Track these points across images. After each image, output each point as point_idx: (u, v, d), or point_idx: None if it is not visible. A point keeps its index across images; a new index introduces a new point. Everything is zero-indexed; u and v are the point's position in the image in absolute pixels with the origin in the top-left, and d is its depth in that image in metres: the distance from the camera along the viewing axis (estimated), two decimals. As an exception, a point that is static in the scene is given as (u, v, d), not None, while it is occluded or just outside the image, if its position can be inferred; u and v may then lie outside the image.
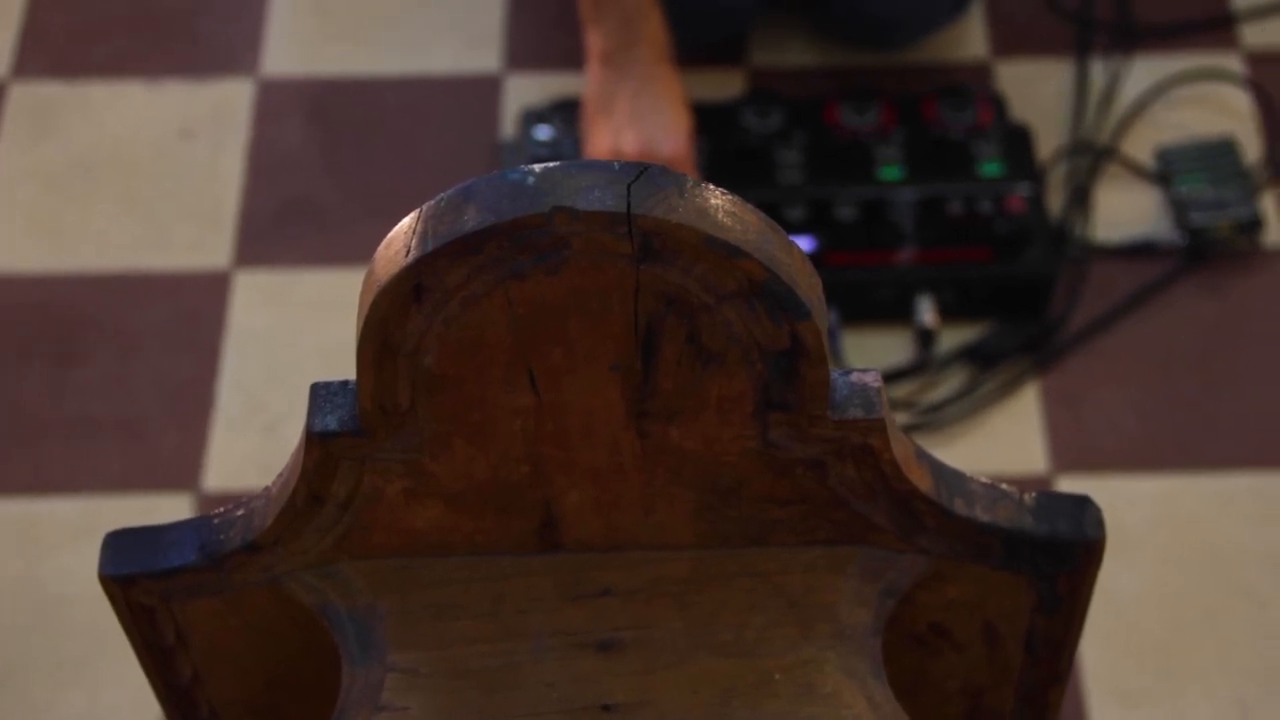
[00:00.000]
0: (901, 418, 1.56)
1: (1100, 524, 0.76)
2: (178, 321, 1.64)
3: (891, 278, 1.60)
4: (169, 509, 1.52)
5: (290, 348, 1.63)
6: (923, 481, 0.72)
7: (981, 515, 0.74)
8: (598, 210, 0.59)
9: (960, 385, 1.58)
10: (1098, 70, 1.75)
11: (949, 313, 1.60)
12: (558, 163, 0.59)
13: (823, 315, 0.65)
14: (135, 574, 0.75)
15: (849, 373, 0.70)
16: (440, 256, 0.61)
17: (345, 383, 0.69)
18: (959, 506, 0.73)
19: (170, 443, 1.57)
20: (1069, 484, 1.52)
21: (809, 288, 0.64)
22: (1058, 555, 0.75)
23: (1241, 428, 1.55)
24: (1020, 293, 1.61)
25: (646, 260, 0.61)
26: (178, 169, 1.73)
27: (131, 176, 1.73)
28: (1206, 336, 1.60)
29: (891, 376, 1.57)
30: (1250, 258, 1.64)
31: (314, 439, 0.69)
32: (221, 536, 0.75)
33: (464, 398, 0.67)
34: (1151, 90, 1.72)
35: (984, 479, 0.75)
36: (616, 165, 0.60)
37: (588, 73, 1.57)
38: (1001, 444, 1.55)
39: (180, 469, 1.56)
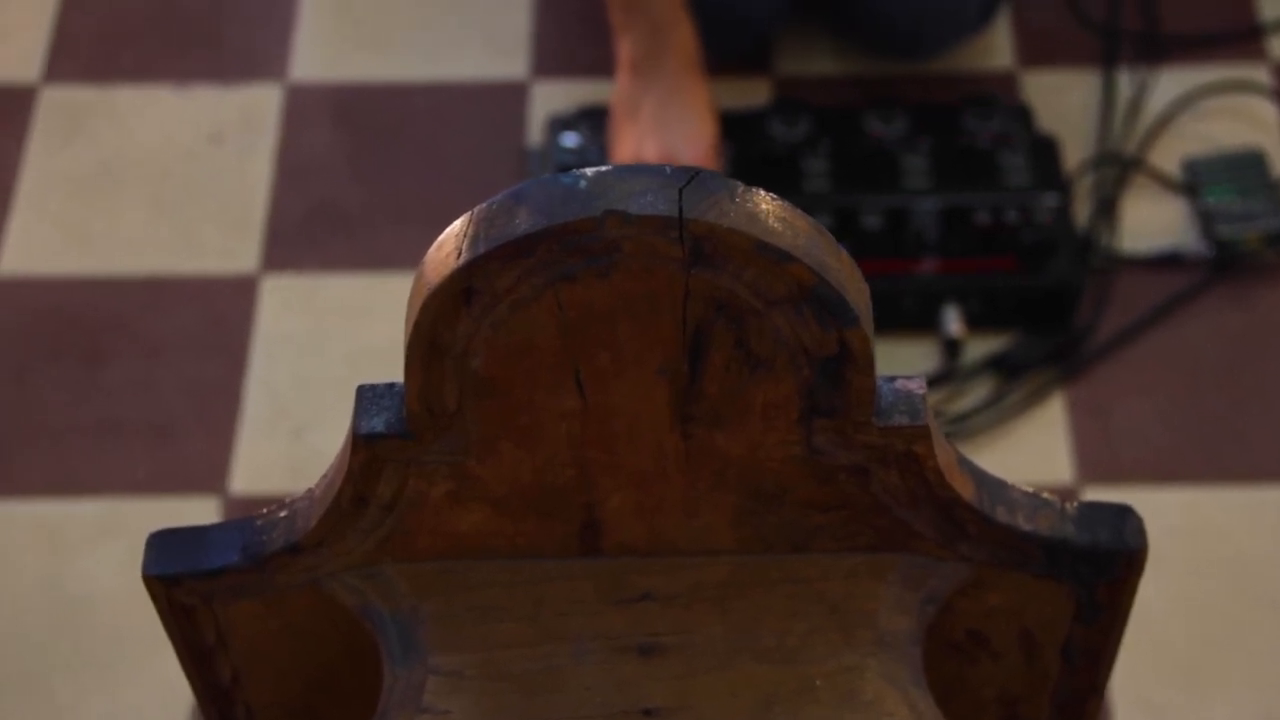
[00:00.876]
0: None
1: (1142, 533, 0.76)
2: (205, 325, 1.65)
3: (917, 287, 1.60)
4: (195, 512, 1.53)
5: (317, 352, 1.63)
6: (965, 489, 0.72)
7: (1023, 523, 0.74)
8: (650, 214, 0.59)
9: (986, 395, 1.58)
10: (1124, 81, 1.75)
11: (975, 322, 1.60)
12: (609, 166, 0.60)
13: (870, 322, 0.65)
14: (179, 574, 0.75)
15: (893, 379, 0.70)
16: (491, 259, 0.61)
17: (391, 385, 0.70)
18: (1000, 514, 0.74)
19: (197, 446, 1.57)
20: (1095, 495, 1.52)
21: (857, 294, 0.64)
22: (1099, 564, 0.75)
23: (1269, 439, 1.55)
24: (1046, 303, 1.61)
25: (697, 265, 0.62)
26: (206, 174, 1.73)
27: (160, 181, 1.73)
28: (1234, 348, 1.60)
29: (918, 386, 1.57)
30: (1278, 269, 1.64)
31: (360, 441, 0.69)
32: (264, 537, 0.75)
33: (511, 401, 0.67)
34: (1178, 101, 1.72)
35: (1026, 487, 0.75)
36: (669, 169, 0.60)
37: (617, 79, 1.58)
38: (1028, 454, 1.55)
39: (207, 472, 1.56)
